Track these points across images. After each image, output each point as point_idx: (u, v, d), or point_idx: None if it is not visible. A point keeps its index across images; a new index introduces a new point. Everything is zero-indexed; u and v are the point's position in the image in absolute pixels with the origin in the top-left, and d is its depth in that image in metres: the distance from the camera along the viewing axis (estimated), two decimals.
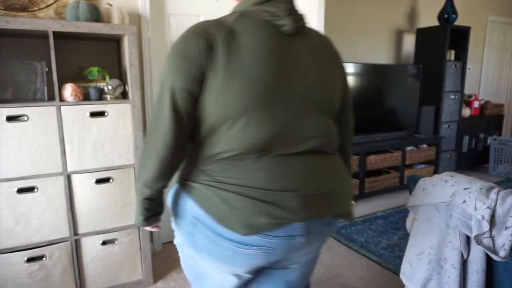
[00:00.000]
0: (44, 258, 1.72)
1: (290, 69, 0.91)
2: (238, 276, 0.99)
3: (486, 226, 1.23)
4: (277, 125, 0.88)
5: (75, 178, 1.75)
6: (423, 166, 3.83)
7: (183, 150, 0.92)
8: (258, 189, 0.85)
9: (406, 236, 2.65)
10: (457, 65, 3.98)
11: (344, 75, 1.07)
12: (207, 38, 0.86)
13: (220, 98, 0.86)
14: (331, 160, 0.98)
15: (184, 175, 0.96)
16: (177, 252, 2.40)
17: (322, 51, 0.98)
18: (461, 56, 4.02)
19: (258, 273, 1.07)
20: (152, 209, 1.00)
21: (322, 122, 0.96)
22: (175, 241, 1.13)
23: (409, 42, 4.16)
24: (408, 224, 1.62)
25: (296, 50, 0.93)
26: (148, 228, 1.07)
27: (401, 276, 1.61)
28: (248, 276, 1.02)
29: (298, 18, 0.93)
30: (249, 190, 0.85)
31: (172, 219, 1.04)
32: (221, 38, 0.86)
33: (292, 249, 0.91)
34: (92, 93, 1.76)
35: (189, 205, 0.92)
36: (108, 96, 1.83)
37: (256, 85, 0.86)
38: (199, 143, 0.92)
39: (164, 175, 0.92)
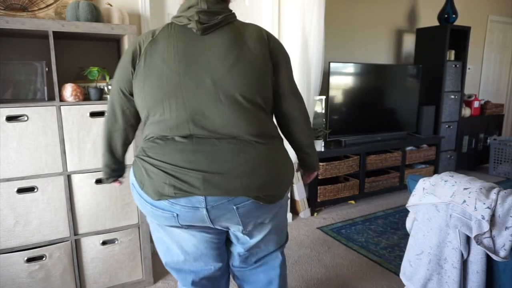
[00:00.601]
0: (44, 258, 1.72)
1: (197, 65, 1.06)
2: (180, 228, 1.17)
3: (486, 226, 1.23)
4: (189, 113, 1.05)
5: (75, 178, 1.75)
6: (423, 166, 3.83)
7: (123, 135, 1.24)
8: (171, 165, 1.04)
9: (406, 236, 2.65)
10: (457, 65, 3.98)
11: (278, 65, 1.15)
12: (134, 49, 1.11)
13: (141, 94, 1.09)
14: (252, 147, 1.07)
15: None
16: None
17: (243, 45, 1.09)
18: (461, 56, 4.02)
19: (228, 243, 1.32)
20: (110, 173, 1.33)
21: (241, 111, 1.07)
22: None
23: (409, 42, 4.16)
24: (408, 224, 1.62)
25: (206, 48, 1.07)
26: (112, 184, 1.50)
27: (401, 276, 1.61)
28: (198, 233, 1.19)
29: (208, 19, 1.07)
30: (164, 165, 1.05)
31: None
32: (145, 46, 1.09)
33: (199, 218, 1.08)
34: (92, 93, 1.76)
35: (130, 174, 1.16)
36: (108, 96, 1.83)
37: (164, 82, 1.06)
38: (143, 129, 1.17)
39: (110, 151, 1.26)
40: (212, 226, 1.13)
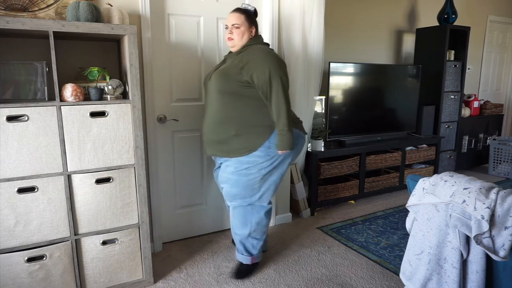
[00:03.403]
0: (44, 258, 1.72)
1: None
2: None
3: (485, 226, 1.24)
4: None
5: (75, 178, 1.75)
6: (423, 166, 3.83)
7: None
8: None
9: (406, 236, 2.65)
10: (457, 65, 3.98)
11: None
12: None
13: None
14: None
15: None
16: (179, 249, 2.40)
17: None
18: (461, 56, 4.03)
19: None
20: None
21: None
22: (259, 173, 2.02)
23: (409, 42, 4.17)
24: (408, 224, 1.62)
25: None
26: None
27: (401, 276, 1.62)
28: None
29: None
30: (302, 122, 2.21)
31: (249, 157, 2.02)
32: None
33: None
34: (93, 93, 1.77)
35: (296, 134, 2.03)
36: (109, 96, 1.83)
37: None
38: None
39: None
40: None
